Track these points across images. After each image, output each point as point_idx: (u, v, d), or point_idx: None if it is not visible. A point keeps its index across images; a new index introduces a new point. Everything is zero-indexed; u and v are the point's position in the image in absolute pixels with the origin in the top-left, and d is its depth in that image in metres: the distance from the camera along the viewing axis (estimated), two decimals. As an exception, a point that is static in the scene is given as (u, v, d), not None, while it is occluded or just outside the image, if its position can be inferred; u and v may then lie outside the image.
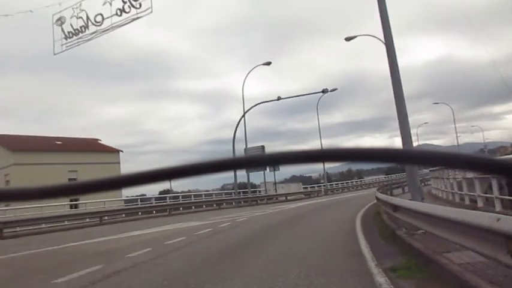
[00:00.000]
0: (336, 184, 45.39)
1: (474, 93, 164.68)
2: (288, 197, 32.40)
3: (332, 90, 37.52)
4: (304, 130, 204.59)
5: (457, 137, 54.58)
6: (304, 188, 39.21)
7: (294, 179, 55.01)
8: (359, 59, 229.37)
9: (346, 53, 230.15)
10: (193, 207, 27.28)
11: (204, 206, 28.06)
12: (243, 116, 30.33)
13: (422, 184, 19.65)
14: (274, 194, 33.37)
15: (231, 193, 32.29)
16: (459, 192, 14.35)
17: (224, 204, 28.24)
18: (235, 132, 29.31)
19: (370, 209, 15.45)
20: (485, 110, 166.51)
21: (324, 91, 29.29)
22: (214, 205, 28.20)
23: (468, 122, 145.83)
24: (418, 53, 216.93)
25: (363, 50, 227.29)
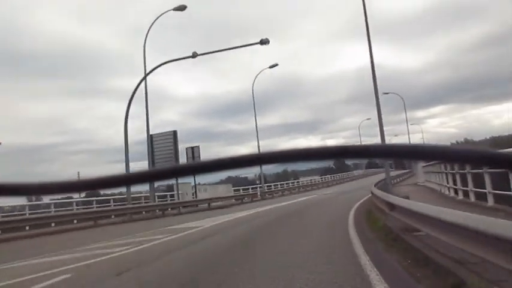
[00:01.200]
0: (274, 186, 37.52)
1: (398, 98, 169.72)
2: (214, 203, 23.86)
3: (272, 66, 29.91)
4: (241, 131, 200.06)
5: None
6: (235, 190, 30.77)
7: (229, 180, 46.96)
8: (295, 63, 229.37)
9: (283, 57, 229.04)
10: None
11: (112, 217, 18.65)
12: (144, 79, 20.88)
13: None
14: (193, 199, 24.35)
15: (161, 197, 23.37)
16: (453, 186, 14.02)
17: (143, 212, 19.13)
18: (128, 108, 19.83)
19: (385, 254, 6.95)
20: (410, 114, 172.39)
21: (262, 42, 22.10)
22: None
23: (394, 126, 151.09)
24: (351, 58, 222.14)
25: (299, 55, 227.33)
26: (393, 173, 69.93)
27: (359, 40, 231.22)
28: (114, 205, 21.76)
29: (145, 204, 20.94)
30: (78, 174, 23.12)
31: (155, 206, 19.97)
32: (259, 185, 32.65)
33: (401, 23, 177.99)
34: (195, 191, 25.41)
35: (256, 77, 31.31)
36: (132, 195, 22.02)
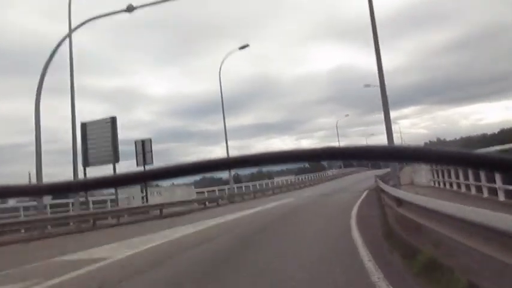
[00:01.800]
0: (246, 187, 33.00)
1: (370, 100, 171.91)
2: (173, 209, 19.18)
3: (243, 47, 25.57)
4: (215, 131, 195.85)
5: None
6: (199, 193, 26.00)
7: (203, 181, 42.36)
8: (267, 63, 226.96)
9: (255, 57, 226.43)
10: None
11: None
12: (68, 37, 15.66)
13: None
14: (142, 205, 19.41)
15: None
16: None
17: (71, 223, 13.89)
18: (41, 80, 14.66)
19: None
20: (380, 116, 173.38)
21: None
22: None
23: (366, 126, 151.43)
24: (323, 60, 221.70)
25: (272, 55, 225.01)
26: (370, 173, 67.57)
27: (331, 41, 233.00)
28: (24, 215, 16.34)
29: (54, 216, 15.64)
30: (29, 175, 17.82)
31: (76, 217, 14.90)
32: (227, 187, 28.03)
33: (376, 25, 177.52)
34: (146, 195, 20.49)
35: (223, 61, 26.79)
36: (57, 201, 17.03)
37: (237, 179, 70.82)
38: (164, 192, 22.19)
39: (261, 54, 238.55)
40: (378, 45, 12.25)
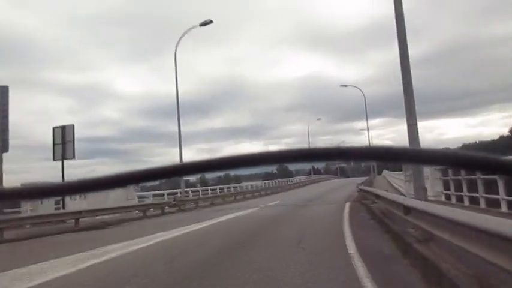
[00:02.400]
0: (203, 192, 28.22)
1: (339, 109, 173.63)
2: (103, 215, 14.41)
3: (204, 24, 21.24)
4: (185, 133, 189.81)
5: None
6: (141, 197, 21.15)
7: (166, 182, 37.57)
8: (239, 66, 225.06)
9: (227, 59, 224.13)
10: None
11: None
12: None
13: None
14: (52, 212, 14.24)
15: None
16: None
17: None
18: None
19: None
20: (348, 125, 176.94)
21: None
22: None
23: (333, 135, 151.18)
24: (293, 66, 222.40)
25: (244, 58, 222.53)
26: (340, 181, 64.11)
27: (303, 49, 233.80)
28: None
29: None
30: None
31: None
32: (179, 190, 23.28)
33: (344, 37, 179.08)
34: (63, 199, 15.45)
35: (181, 38, 22.14)
36: None
37: (204, 182, 66.43)
38: (92, 195, 17.18)
39: (234, 56, 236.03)
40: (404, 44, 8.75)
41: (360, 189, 19.63)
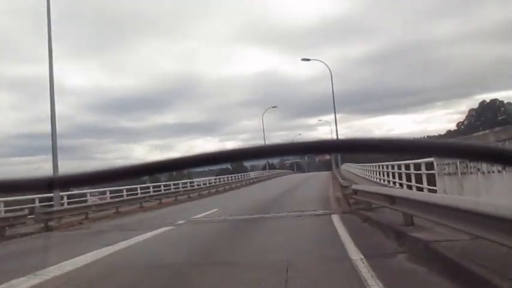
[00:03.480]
0: (128, 193, 25.18)
1: (294, 105, 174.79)
2: None
3: None
4: (136, 129, 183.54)
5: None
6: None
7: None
8: (192, 63, 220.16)
9: (180, 55, 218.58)
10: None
11: None
12: None
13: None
14: None
15: None
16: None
17: None
18: None
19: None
20: (301, 121, 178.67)
21: None
22: None
23: (289, 131, 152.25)
24: (248, 62, 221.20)
25: (197, 54, 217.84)
26: (297, 176, 62.51)
27: (258, 46, 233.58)
28: None
29: None
30: None
31: None
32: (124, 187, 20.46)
33: (298, 35, 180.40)
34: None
35: None
36: None
37: (155, 178, 62.77)
38: None
39: (187, 51, 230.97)
40: None
41: (355, 191, 11.26)
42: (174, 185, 27.87)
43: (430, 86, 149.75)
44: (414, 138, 0.57)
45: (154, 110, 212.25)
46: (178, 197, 23.81)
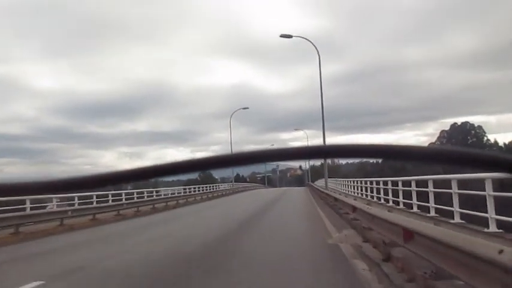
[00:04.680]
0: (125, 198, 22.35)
1: (267, 119, 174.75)
2: None
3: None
4: (105, 135, 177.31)
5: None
6: None
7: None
8: (168, 71, 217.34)
9: (156, 63, 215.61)
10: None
11: None
12: None
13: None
14: None
15: None
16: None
17: None
18: None
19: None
20: (274, 136, 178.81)
21: None
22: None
23: (260, 144, 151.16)
24: (223, 75, 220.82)
25: (173, 63, 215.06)
26: (270, 191, 58.13)
27: (234, 59, 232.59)
28: None
29: None
30: None
31: None
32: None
33: (274, 51, 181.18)
34: None
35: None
36: None
37: (119, 186, 59.38)
38: None
39: (163, 60, 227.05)
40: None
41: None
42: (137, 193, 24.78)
43: (400, 107, 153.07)
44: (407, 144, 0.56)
45: (125, 117, 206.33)
46: (141, 208, 21.23)
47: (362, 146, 0.55)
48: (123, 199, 21.52)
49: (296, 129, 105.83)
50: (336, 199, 15.37)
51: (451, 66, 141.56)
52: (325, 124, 26.63)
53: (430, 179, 10.48)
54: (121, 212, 19.04)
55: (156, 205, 23.06)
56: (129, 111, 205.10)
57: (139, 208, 21.12)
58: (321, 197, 23.83)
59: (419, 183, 11.70)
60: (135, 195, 24.26)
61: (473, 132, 71.65)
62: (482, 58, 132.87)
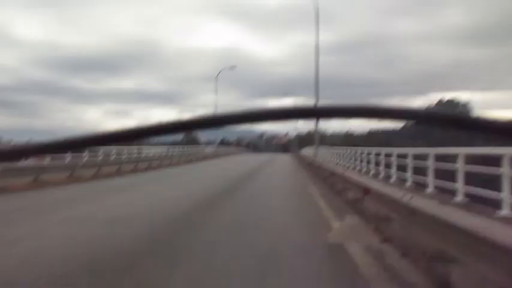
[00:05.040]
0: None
1: (256, 85, 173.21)
2: None
3: None
4: (90, 90, 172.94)
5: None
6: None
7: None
8: (155, 28, 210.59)
9: (143, 18, 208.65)
10: None
11: None
12: None
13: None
14: None
15: None
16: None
17: None
18: None
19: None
20: (261, 102, 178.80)
21: None
22: None
23: None
24: (212, 37, 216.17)
25: (160, 20, 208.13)
26: (254, 157, 57.07)
27: (225, 21, 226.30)
28: None
29: None
30: None
31: None
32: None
33: (266, 15, 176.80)
34: None
35: None
36: None
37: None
38: None
39: (150, 17, 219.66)
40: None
41: None
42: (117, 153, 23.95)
43: (388, 80, 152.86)
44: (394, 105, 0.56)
45: (110, 73, 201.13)
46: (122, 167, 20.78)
47: (353, 107, 0.54)
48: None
49: (285, 95, 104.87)
50: (333, 173, 14.41)
51: (443, 43, 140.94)
52: (312, 93, 26.46)
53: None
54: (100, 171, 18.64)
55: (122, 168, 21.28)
56: (115, 67, 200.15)
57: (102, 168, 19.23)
58: (311, 169, 22.87)
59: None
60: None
61: (459, 109, 72.33)
62: (472, 34, 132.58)
